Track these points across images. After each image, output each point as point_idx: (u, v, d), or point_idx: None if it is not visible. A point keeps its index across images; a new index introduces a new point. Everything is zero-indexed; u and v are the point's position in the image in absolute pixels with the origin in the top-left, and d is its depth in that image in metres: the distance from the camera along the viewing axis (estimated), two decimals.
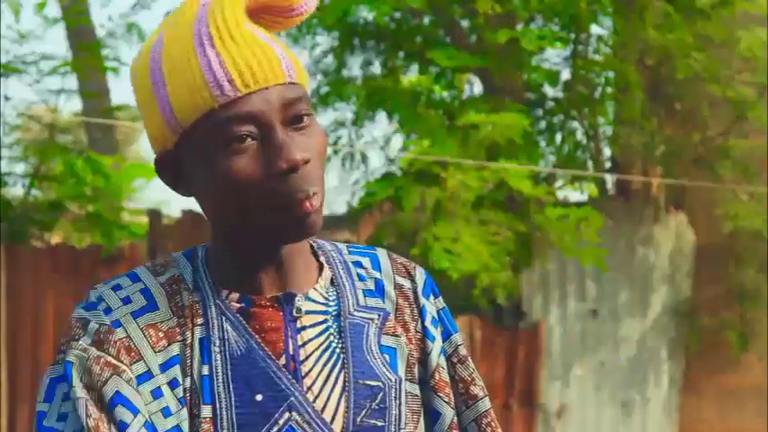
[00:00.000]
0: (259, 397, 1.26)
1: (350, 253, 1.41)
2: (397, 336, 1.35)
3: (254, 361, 1.28)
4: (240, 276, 1.31)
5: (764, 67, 7.34)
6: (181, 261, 1.34)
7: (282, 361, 1.28)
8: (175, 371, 1.27)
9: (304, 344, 1.30)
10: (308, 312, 1.31)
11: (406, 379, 1.34)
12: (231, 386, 1.27)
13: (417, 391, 1.35)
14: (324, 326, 1.32)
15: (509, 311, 7.48)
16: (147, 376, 1.26)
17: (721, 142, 7.67)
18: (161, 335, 1.28)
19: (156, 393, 1.26)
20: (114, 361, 1.26)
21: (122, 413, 1.24)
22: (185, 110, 1.24)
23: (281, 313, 1.30)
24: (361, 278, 1.38)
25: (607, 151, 8.31)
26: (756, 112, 7.37)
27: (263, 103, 1.23)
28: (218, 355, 1.28)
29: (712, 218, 7.68)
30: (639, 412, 7.87)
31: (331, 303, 1.34)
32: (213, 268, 1.32)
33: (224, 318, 1.29)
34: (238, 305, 1.30)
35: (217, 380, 1.27)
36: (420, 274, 1.41)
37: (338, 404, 1.29)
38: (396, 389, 1.32)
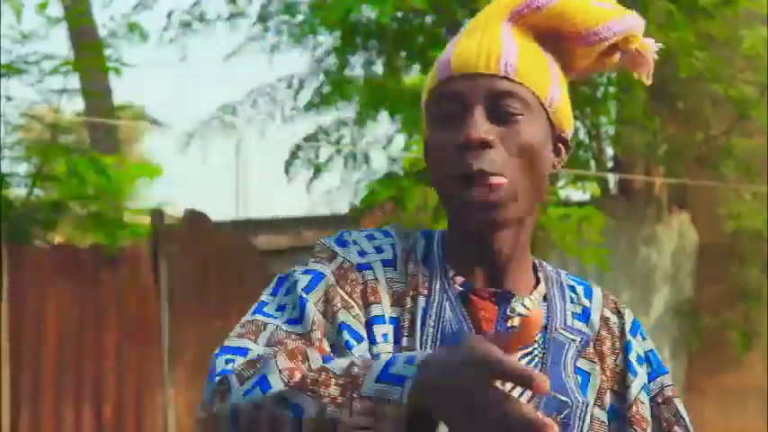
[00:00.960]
0: None
1: (568, 277, 1.48)
2: (593, 362, 1.40)
3: None
4: (464, 262, 1.37)
5: (767, 66, 7.33)
6: (418, 236, 1.41)
7: None
8: (387, 329, 1.32)
9: None
10: (519, 314, 1.36)
11: (594, 404, 1.37)
12: None
13: (604, 418, 1.39)
14: None
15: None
16: (380, 320, 1.32)
17: (724, 141, 7.66)
18: (392, 291, 1.34)
19: (385, 338, 1.32)
20: (346, 297, 1.31)
21: (347, 337, 1.28)
22: (424, 90, 1.37)
23: (496, 308, 1.36)
24: (572, 301, 1.44)
25: (609, 151, 8.31)
26: (759, 111, 7.36)
27: (467, 85, 1.31)
28: (431, 329, 1.33)
29: (715, 217, 7.68)
30: None
31: (547, 315, 1.40)
32: (445, 248, 1.39)
33: (445, 296, 1.35)
34: (460, 288, 1.36)
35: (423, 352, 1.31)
36: (629, 314, 1.48)
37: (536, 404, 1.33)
38: (582, 410, 1.36)
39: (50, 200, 7.78)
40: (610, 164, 8.29)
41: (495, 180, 1.29)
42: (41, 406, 6.61)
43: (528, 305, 1.38)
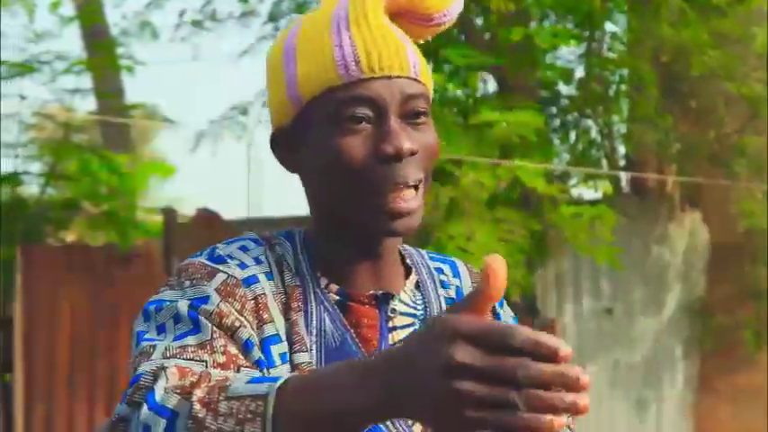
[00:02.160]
0: None
1: (431, 259, 1.43)
2: None
3: (347, 354, 1.27)
4: (338, 268, 1.31)
5: None
6: (282, 240, 1.33)
7: None
8: (285, 347, 1.26)
9: (394, 344, 1.30)
10: (400, 314, 1.33)
11: None
12: None
13: None
14: (412, 328, 1.33)
15: (523, 309, 7.47)
16: (276, 339, 1.25)
17: (736, 140, 7.64)
18: (279, 306, 1.27)
19: (284, 358, 1.24)
20: (237, 315, 1.21)
21: (258, 354, 1.21)
22: (309, 85, 1.26)
23: (377, 311, 1.31)
24: (444, 285, 1.40)
25: (621, 149, 8.29)
26: None
27: (384, 89, 1.25)
28: (314, 345, 1.26)
29: (727, 216, 7.65)
30: (654, 411, 7.85)
31: (419, 306, 1.36)
32: (312, 254, 1.32)
33: (322, 307, 1.29)
34: (337, 297, 1.30)
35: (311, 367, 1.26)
36: None
37: None
38: None
39: (63, 199, 7.81)
40: (622, 162, 8.27)
41: (420, 192, 1.27)
42: (54, 405, 6.63)
43: (404, 299, 1.34)
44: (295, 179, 1.36)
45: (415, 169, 1.26)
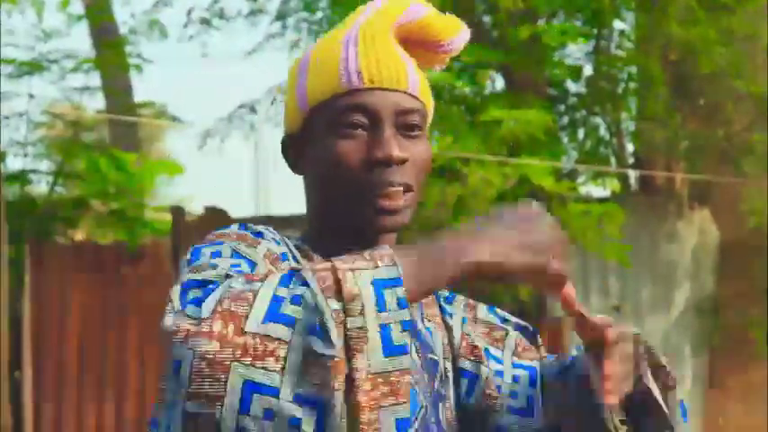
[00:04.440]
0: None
1: None
2: (431, 320, 1.46)
3: None
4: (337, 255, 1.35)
5: None
6: (277, 240, 1.38)
7: None
8: None
9: None
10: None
11: (443, 357, 1.45)
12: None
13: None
14: None
15: (532, 308, 7.46)
16: None
17: (745, 137, 7.62)
18: None
19: None
20: None
21: None
22: (314, 93, 1.36)
23: None
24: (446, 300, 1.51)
25: (630, 147, 8.28)
26: None
27: (381, 99, 1.34)
28: None
29: (736, 213, 7.64)
30: None
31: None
32: (305, 257, 1.37)
33: None
34: None
35: None
36: None
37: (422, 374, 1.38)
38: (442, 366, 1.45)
39: (72, 197, 7.82)
40: (630, 160, 8.26)
41: (408, 195, 1.35)
42: (63, 403, 6.65)
43: None
44: (301, 178, 1.43)
45: (404, 176, 1.34)
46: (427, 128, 1.40)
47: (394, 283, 1.11)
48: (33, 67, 7.62)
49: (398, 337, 1.09)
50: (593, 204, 7.14)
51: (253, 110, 9.00)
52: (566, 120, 7.82)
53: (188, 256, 1.31)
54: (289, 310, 1.08)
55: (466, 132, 6.85)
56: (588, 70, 7.73)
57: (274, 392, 1.06)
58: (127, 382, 6.76)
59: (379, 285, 1.10)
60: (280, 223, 8.67)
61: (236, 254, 1.25)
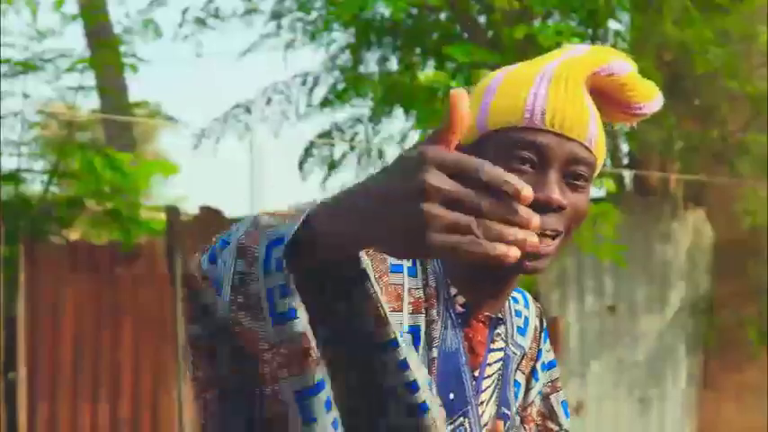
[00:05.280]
0: (452, 395, 1.38)
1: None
2: (524, 373, 1.54)
3: (456, 362, 1.40)
4: (467, 284, 1.41)
5: None
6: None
7: (477, 373, 1.42)
8: (409, 340, 1.34)
9: (490, 364, 1.45)
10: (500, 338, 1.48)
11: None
12: (437, 377, 1.38)
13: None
14: (502, 353, 1.47)
15: None
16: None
17: (740, 138, 7.63)
18: (412, 299, 1.36)
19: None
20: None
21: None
22: (495, 117, 1.38)
23: (487, 331, 1.44)
24: (517, 314, 1.55)
25: (625, 147, 8.28)
26: None
27: (556, 143, 1.36)
28: (435, 348, 1.37)
29: (731, 214, 7.65)
30: (657, 409, 7.84)
31: (505, 335, 1.49)
32: (444, 263, 1.40)
33: (447, 314, 1.40)
34: (462, 309, 1.41)
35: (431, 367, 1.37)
36: (544, 319, 1.62)
37: (493, 423, 1.45)
38: (513, 422, 1.51)
39: (66, 197, 7.80)
40: (625, 160, 8.27)
41: (555, 242, 1.36)
42: (58, 403, 6.64)
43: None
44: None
45: (557, 222, 1.36)
46: (593, 182, 1.42)
47: (278, 243, 1.02)
48: (28, 67, 7.61)
49: (279, 302, 1.01)
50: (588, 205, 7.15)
51: (248, 110, 9.00)
52: None
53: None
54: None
55: None
56: None
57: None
58: (121, 382, 6.75)
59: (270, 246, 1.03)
60: None
61: None
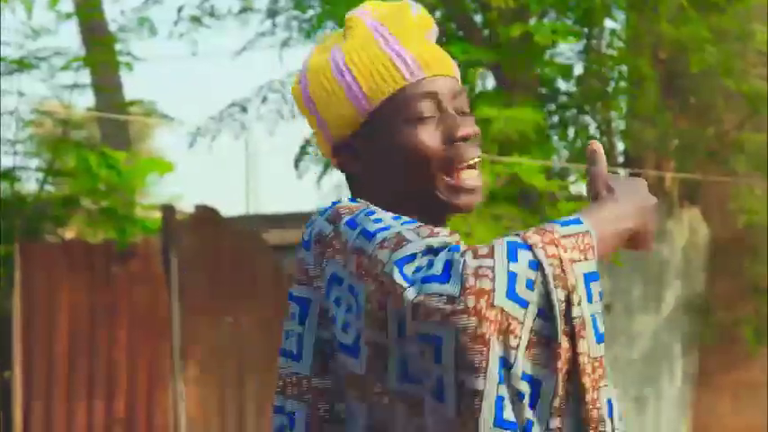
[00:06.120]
0: None
1: None
2: None
3: None
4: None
5: None
6: None
7: None
8: None
9: None
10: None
11: None
12: None
13: None
14: None
15: None
16: None
17: (735, 136, 7.63)
18: None
19: None
20: None
21: None
22: (377, 91, 1.45)
23: None
24: None
25: (620, 145, 8.28)
26: None
27: (443, 85, 1.47)
28: None
29: (726, 212, 7.65)
30: (653, 407, 7.85)
31: None
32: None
33: None
34: None
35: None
36: None
37: None
38: None
39: (62, 195, 7.80)
40: (621, 159, 8.27)
41: (478, 164, 1.49)
42: (53, 402, 6.63)
43: None
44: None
45: (475, 149, 1.48)
46: None
47: (596, 277, 1.30)
48: (23, 65, 7.60)
49: (601, 326, 1.30)
50: (584, 203, 7.14)
51: (243, 108, 8.98)
52: (556, 118, 7.82)
53: (343, 227, 1.36)
54: (523, 292, 1.25)
55: None
56: (579, 69, 7.74)
57: (513, 369, 1.24)
58: (117, 381, 6.74)
59: (588, 279, 1.29)
60: (270, 221, 8.66)
61: (395, 216, 1.35)
